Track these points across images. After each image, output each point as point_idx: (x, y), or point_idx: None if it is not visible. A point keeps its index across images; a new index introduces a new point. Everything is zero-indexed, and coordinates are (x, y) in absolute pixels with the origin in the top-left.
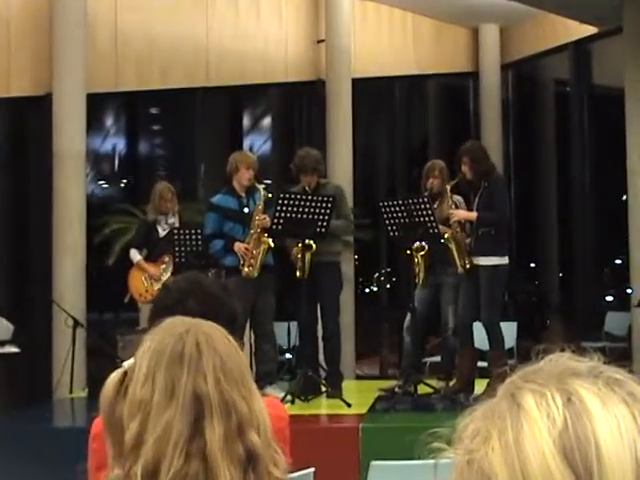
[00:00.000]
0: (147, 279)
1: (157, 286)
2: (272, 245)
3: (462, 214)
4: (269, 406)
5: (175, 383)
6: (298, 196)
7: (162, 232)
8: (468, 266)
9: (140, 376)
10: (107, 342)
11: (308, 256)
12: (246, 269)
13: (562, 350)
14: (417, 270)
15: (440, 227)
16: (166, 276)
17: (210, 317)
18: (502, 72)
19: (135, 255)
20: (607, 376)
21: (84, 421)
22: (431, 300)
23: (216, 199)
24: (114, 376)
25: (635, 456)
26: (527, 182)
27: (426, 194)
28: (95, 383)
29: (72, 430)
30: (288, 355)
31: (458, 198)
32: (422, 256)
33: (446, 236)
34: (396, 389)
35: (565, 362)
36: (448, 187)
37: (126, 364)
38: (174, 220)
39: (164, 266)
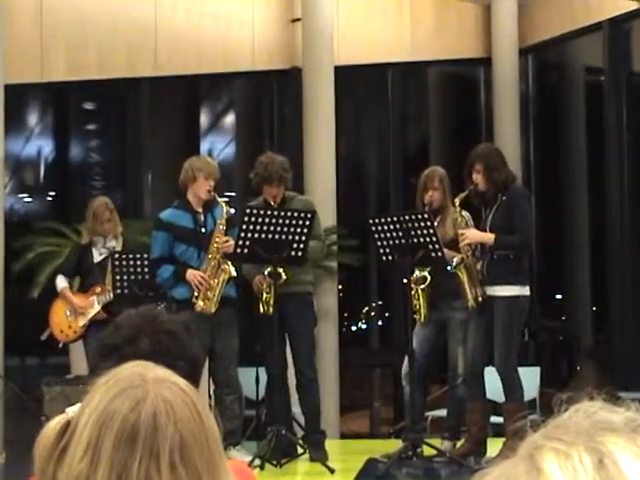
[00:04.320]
0: (71, 312)
1: (82, 322)
2: (234, 274)
3: (476, 235)
4: (234, 472)
5: (123, 470)
6: (269, 212)
7: (98, 257)
8: (480, 298)
9: (82, 443)
10: (30, 394)
11: (275, 286)
12: (201, 303)
13: (591, 398)
14: (417, 306)
15: (445, 251)
16: (94, 310)
17: (167, 361)
18: (520, 58)
19: (61, 282)
20: None
21: None
22: (435, 340)
23: (166, 215)
24: (53, 425)
25: None
26: (552, 194)
27: (426, 209)
28: (15, 446)
29: None
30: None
31: (466, 214)
32: (423, 290)
33: (454, 262)
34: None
35: (595, 414)
36: (457, 201)
37: (70, 410)
38: (114, 243)
39: (94, 297)
